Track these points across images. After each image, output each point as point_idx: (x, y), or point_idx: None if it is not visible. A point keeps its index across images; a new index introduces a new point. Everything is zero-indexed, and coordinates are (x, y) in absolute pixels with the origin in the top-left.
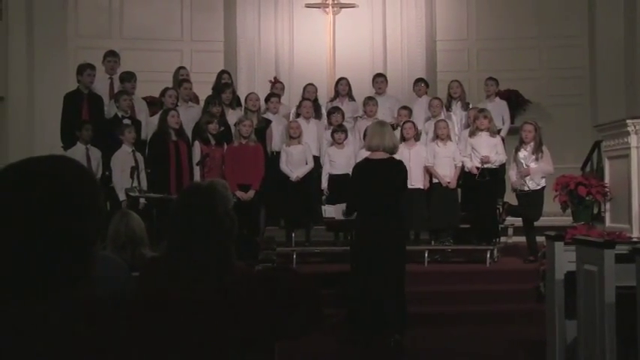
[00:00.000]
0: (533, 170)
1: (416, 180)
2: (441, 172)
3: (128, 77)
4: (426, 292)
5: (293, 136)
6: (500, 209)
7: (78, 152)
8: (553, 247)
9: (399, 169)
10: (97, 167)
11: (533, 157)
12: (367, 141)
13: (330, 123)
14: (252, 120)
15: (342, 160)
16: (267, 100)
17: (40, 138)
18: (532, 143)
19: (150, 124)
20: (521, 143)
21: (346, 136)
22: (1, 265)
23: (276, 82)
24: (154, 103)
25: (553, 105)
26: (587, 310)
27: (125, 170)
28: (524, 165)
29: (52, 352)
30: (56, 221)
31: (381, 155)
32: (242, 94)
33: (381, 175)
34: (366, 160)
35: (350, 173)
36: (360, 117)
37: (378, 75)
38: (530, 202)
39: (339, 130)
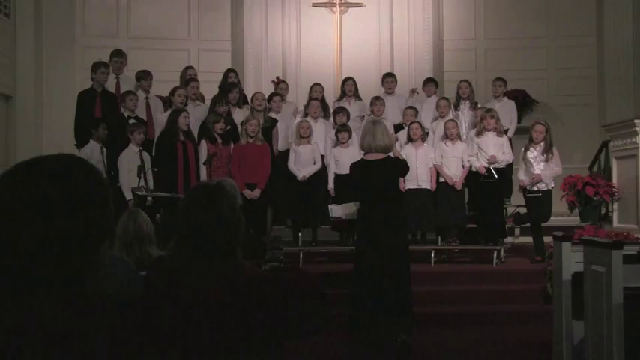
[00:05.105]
0: (545, 176)
1: (423, 180)
2: (449, 172)
3: (145, 75)
4: (432, 292)
5: (303, 135)
6: (507, 213)
7: (92, 150)
8: (560, 248)
9: (394, 166)
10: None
11: (543, 157)
12: (359, 141)
13: (335, 123)
14: (258, 119)
15: (346, 159)
16: (269, 99)
17: (48, 137)
18: (542, 143)
19: (157, 123)
20: (531, 143)
21: (350, 136)
22: (8, 262)
23: (279, 82)
24: (161, 102)
25: (561, 105)
26: (595, 311)
27: (132, 170)
28: (534, 165)
29: (58, 350)
30: (64, 220)
31: (376, 156)
32: (249, 93)
33: (377, 175)
34: (363, 161)
35: None
36: (368, 116)
37: (388, 74)
38: (540, 203)
39: (342, 130)
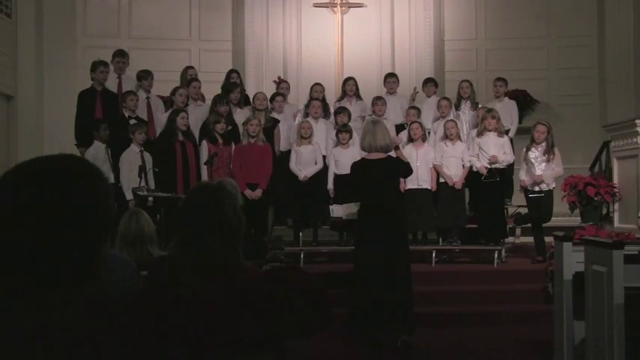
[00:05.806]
0: (546, 176)
1: (423, 180)
2: (449, 172)
3: (145, 75)
4: (433, 292)
5: (304, 136)
6: (508, 213)
7: (97, 151)
8: (561, 248)
9: (394, 165)
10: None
11: (544, 157)
12: (360, 140)
13: (336, 123)
14: (259, 119)
15: (346, 160)
16: (271, 99)
17: (49, 137)
18: (544, 144)
19: (158, 123)
20: (532, 143)
21: (350, 136)
22: (10, 263)
23: (280, 82)
24: (162, 102)
25: (562, 105)
26: (596, 311)
27: (133, 170)
28: (535, 165)
29: (59, 351)
30: (66, 220)
31: (376, 155)
32: (250, 94)
33: (378, 175)
34: (363, 160)
35: None
36: (369, 116)
37: (390, 75)
38: (541, 203)
39: (343, 130)
